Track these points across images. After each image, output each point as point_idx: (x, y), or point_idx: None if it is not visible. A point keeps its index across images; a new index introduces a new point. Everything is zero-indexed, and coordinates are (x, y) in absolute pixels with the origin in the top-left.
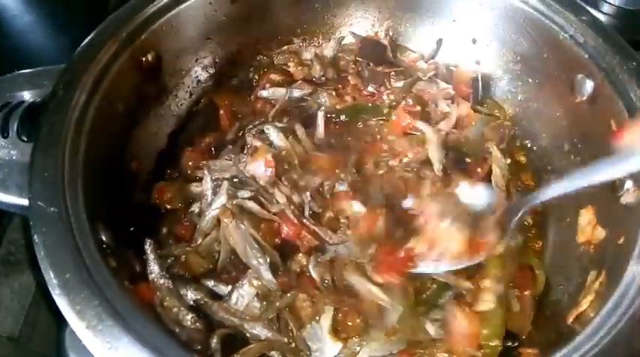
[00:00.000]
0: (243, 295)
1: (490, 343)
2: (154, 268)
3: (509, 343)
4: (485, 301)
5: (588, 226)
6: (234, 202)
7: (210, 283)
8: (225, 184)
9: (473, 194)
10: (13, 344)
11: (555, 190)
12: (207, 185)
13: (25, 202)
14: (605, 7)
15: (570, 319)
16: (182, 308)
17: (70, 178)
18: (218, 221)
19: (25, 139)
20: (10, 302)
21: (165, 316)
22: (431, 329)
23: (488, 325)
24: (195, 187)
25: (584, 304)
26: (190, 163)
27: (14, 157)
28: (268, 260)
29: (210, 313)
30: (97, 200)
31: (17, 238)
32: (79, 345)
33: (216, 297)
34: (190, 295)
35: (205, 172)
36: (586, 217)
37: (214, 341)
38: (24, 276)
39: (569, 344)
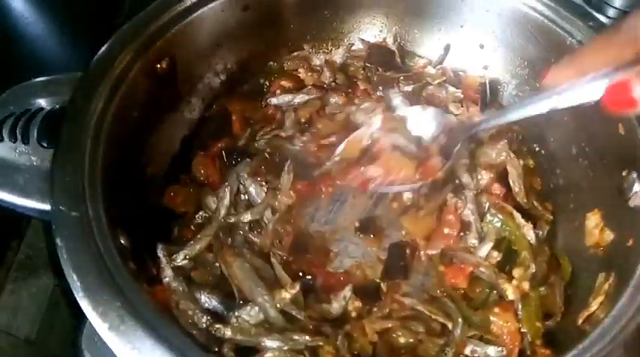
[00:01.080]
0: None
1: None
2: (167, 272)
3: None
4: (515, 288)
5: (596, 230)
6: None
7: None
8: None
9: (422, 121)
10: (30, 346)
11: (497, 119)
12: (225, 200)
13: (45, 206)
14: (611, 12)
15: (580, 321)
16: (197, 311)
17: (90, 183)
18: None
19: (45, 145)
20: (27, 306)
21: (181, 318)
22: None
23: (527, 309)
24: (208, 197)
25: (594, 305)
26: (201, 168)
27: (35, 163)
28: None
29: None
30: (116, 204)
31: (35, 243)
32: (95, 347)
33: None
34: (204, 299)
35: (227, 189)
36: (593, 220)
37: (225, 350)
38: (41, 280)
39: (581, 344)
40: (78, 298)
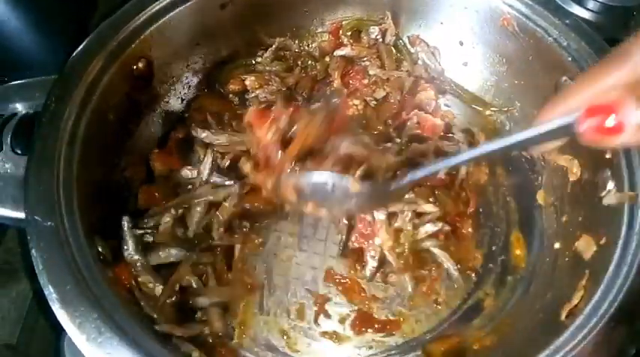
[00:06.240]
0: None
1: None
2: (129, 245)
3: None
4: None
5: None
6: None
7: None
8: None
9: None
10: (11, 351)
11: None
12: (208, 161)
13: (20, 214)
14: (591, 4)
15: (564, 315)
16: (157, 284)
17: (65, 191)
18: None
19: (19, 152)
20: (7, 310)
21: (142, 298)
22: None
23: None
24: (183, 170)
25: (576, 299)
26: (158, 164)
27: (9, 171)
28: None
29: None
30: (93, 211)
31: (13, 247)
32: (76, 351)
33: None
34: (163, 254)
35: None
36: None
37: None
38: (21, 284)
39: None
40: (55, 310)
